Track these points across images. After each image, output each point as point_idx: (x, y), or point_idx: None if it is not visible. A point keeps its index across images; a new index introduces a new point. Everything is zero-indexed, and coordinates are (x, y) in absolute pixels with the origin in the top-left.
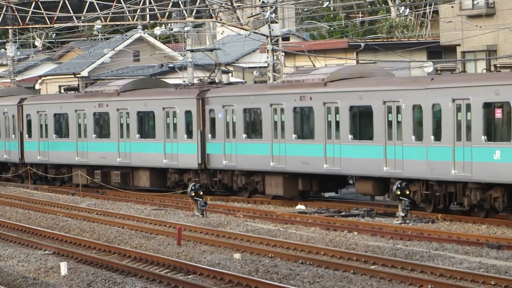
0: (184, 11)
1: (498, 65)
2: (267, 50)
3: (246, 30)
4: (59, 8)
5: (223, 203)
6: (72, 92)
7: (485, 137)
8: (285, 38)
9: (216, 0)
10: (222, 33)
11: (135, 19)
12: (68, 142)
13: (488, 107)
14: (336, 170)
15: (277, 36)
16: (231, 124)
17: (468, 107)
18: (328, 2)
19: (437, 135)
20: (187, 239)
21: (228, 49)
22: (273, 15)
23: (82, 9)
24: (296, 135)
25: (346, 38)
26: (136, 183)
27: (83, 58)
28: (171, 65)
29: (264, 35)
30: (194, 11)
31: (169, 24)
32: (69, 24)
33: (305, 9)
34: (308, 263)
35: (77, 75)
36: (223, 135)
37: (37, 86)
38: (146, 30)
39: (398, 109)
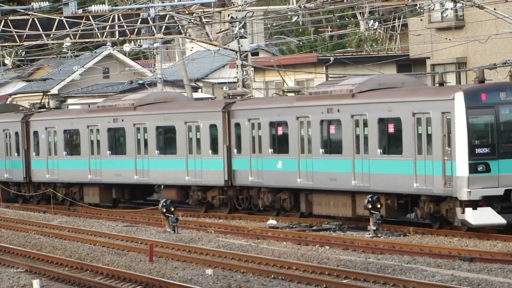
0: (153, 27)
1: (286, 90)
2: (237, 65)
3: (215, 45)
4: (28, 26)
5: (194, 218)
6: None
7: (271, 150)
8: (255, 53)
9: (185, 16)
10: (191, 49)
11: (104, 36)
12: None
13: (273, 125)
14: (145, 180)
15: (246, 51)
16: (52, 143)
17: (259, 126)
18: (297, 17)
19: (239, 148)
20: (159, 255)
21: (198, 64)
22: (242, 30)
23: (51, 26)
24: (110, 152)
25: (315, 52)
26: None
27: (53, 76)
28: (140, 81)
29: (234, 51)
30: (163, 27)
31: (138, 41)
32: (38, 42)
33: (274, 24)
34: (280, 278)
35: (47, 93)
36: (46, 153)
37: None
38: (115, 47)
39: (198, 128)
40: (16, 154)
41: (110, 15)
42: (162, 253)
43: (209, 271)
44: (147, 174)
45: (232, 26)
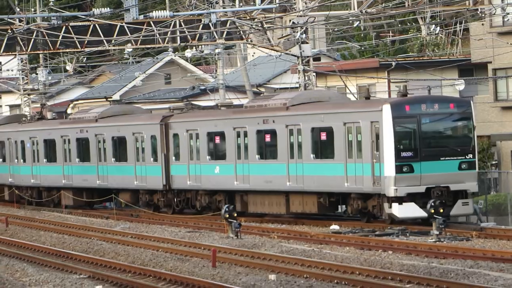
0: (214, 33)
1: (219, 104)
2: (298, 70)
3: (277, 51)
4: (89, 32)
5: (257, 224)
6: None
7: (209, 156)
8: (316, 59)
9: (246, 22)
10: (253, 55)
11: (165, 41)
12: None
13: (210, 135)
14: (105, 185)
15: (308, 56)
16: (36, 151)
17: (197, 136)
18: (358, 22)
19: (177, 156)
20: (222, 260)
21: (259, 70)
22: (304, 35)
23: (113, 32)
24: (78, 159)
25: (377, 57)
26: None
27: (115, 82)
28: (202, 87)
29: (295, 56)
30: (225, 33)
31: (200, 46)
32: (99, 48)
33: (336, 29)
34: (343, 283)
35: (109, 99)
36: (31, 160)
37: (69, 111)
38: (177, 52)
39: (142, 139)
40: (15, 161)
41: (172, 21)
42: (225, 258)
43: (272, 277)
44: (106, 179)
45: (293, 32)
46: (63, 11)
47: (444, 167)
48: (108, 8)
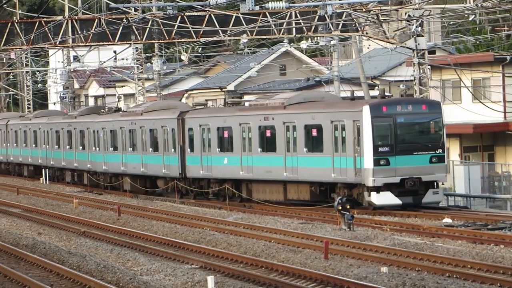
0: (330, 25)
1: (228, 102)
2: (413, 63)
3: (392, 43)
4: (204, 22)
5: (369, 216)
6: None
7: (219, 149)
8: (431, 52)
9: (362, 14)
10: (368, 47)
11: (281, 33)
12: None
13: (220, 130)
14: (146, 172)
15: (423, 49)
16: (106, 140)
17: (209, 130)
18: (473, 16)
19: (192, 148)
20: (334, 252)
21: (375, 62)
22: (419, 28)
23: (228, 23)
24: (131, 149)
25: (492, 51)
26: None
27: (229, 72)
28: (317, 79)
29: (410, 49)
30: (340, 24)
31: (315, 38)
32: (215, 38)
33: (451, 23)
34: (455, 276)
35: (223, 89)
36: (103, 148)
37: (183, 100)
38: (292, 44)
39: (167, 132)
40: (93, 148)
41: (287, 12)
42: (337, 250)
43: (384, 269)
44: (146, 167)
45: (409, 24)
46: (179, 0)
47: (416, 161)
48: None
